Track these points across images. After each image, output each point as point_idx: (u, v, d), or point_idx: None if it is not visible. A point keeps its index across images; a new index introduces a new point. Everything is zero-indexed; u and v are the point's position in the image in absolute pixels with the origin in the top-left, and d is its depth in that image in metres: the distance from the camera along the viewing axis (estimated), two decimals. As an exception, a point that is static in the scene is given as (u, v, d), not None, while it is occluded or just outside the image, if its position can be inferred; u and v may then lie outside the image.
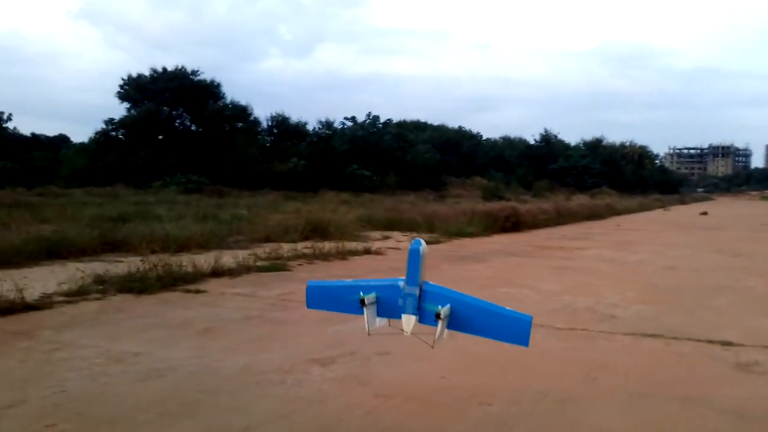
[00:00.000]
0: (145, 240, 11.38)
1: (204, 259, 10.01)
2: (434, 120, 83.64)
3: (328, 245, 13.11)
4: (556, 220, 25.31)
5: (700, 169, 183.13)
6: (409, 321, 3.08)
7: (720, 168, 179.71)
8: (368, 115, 52.93)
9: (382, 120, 54.08)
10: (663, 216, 37.01)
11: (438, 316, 2.92)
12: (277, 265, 10.88)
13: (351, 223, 17.03)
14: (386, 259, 12.74)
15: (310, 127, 52.50)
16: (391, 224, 19.31)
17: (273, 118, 52.47)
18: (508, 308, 3.00)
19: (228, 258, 10.52)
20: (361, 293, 3.10)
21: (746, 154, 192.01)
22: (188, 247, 12.38)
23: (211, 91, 46.25)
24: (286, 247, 12.79)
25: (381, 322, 3.21)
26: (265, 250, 12.35)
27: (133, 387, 4.61)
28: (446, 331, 3.01)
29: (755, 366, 5.43)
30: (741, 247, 17.08)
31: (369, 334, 3.11)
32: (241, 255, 11.13)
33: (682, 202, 64.58)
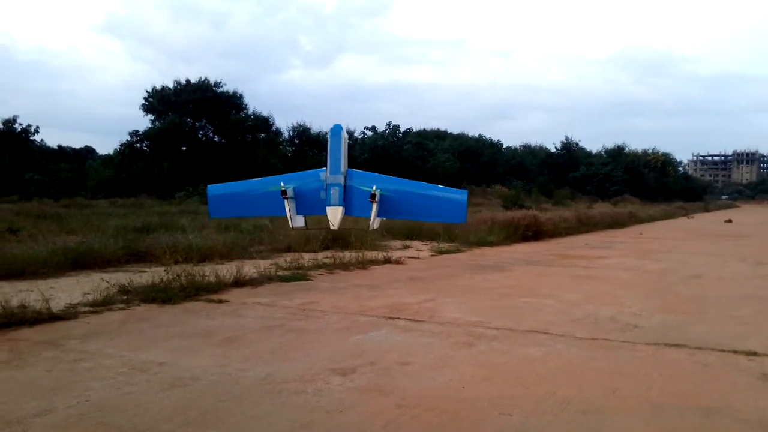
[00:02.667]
0: (169, 250, 11.49)
1: (226, 269, 10.11)
2: (454, 129, 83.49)
3: (348, 255, 13.18)
4: (577, 229, 25.11)
5: (724, 176, 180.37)
6: (335, 213, 2.88)
7: (744, 175, 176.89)
8: (388, 124, 53.35)
9: (402, 129, 54.35)
10: (686, 224, 36.54)
11: (373, 197, 2.75)
12: (298, 275, 10.96)
13: (371, 233, 17.08)
14: (406, 269, 12.75)
15: (330, 137, 52.76)
16: (411, 233, 19.33)
17: (294, 129, 52.86)
18: (441, 186, 2.89)
19: (250, 268, 10.61)
20: (282, 183, 2.89)
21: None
22: (211, 257, 12.53)
23: (233, 102, 46.80)
24: (306, 257, 12.87)
25: (298, 220, 3.00)
26: (286, 259, 12.44)
27: (157, 396, 4.68)
28: (377, 218, 2.87)
29: (781, 377, 5.35)
30: (766, 255, 16.81)
31: (293, 230, 2.99)
32: (263, 265, 11.21)
33: (706, 210, 63.63)
